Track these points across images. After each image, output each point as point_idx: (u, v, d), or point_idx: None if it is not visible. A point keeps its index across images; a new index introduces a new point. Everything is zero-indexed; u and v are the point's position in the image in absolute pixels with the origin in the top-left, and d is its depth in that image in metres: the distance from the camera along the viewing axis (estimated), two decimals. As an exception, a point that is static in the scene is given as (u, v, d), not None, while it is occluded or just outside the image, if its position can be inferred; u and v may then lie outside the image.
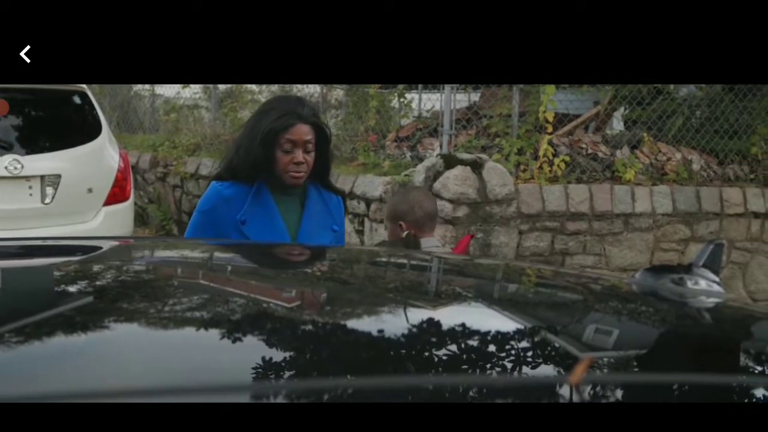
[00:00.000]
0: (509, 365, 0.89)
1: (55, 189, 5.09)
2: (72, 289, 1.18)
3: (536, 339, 1.02)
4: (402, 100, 7.33)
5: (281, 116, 2.50)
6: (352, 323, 1.04)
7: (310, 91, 8.12)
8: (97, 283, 1.20)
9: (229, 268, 1.47)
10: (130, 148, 7.69)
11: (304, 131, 2.49)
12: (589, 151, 5.83)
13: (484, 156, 5.29)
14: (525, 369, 0.89)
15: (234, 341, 0.90)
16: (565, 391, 0.80)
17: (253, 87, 9.31)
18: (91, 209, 5.30)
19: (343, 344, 0.93)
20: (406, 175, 5.45)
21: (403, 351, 0.93)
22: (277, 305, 1.12)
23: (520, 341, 1.00)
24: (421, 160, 5.65)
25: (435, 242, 3.10)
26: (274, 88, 8.60)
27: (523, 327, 1.08)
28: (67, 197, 5.11)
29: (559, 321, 1.15)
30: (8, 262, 1.39)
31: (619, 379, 0.89)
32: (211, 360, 0.84)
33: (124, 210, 5.50)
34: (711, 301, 1.40)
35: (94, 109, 5.53)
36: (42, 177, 5.07)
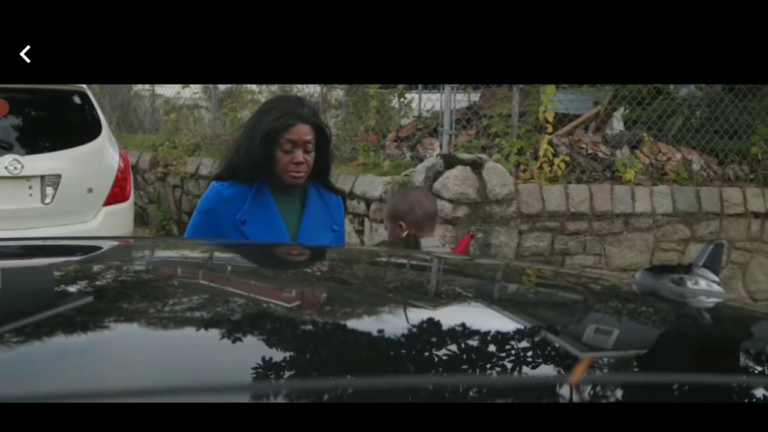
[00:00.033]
0: (509, 365, 0.89)
1: (55, 189, 5.09)
2: (72, 289, 1.18)
3: (536, 339, 1.02)
4: (402, 100, 7.33)
5: (281, 116, 2.50)
6: (352, 323, 1.04)
7: (310, 91, 8.12)
8: (97, 283, 1.20)
9: (229, 268, 1.47)
10: (130, 148, 7.69)
11: (304, 131, 2.49)
12: (589, 151, 5.83)
13: (484, 156, 5.29)
14: (525, 369, 0.89)
15: (234, 341, 0.90)
16: (565, 391, 0.80)
17: (253, 87, 9.32)
18: (91, 209, 5.30)
19: (343, 344, 0.93)
20: (406, 175, 5.45)
21: (403, 351, 0.93)
22: (277, 305, 1.12)
23: (520, 341, 1.00)
24: (421, 160, 5.65)
25: (435, 242, 3.10)
26: (274, 88, 8.60)
27: (523, 327, 1.08)
28: (67, 197, 5.11)
29: (559, 321, 1.15)
30: (8, 262, 1.39)
31: (619, 379, 0.89)
32: (211, 360, 0.84)
33: (124, 210, 5.50)
34: (711, 301, 1.39)
35: (94, 109, 5.53)
36: (42, 177, 5.06)
